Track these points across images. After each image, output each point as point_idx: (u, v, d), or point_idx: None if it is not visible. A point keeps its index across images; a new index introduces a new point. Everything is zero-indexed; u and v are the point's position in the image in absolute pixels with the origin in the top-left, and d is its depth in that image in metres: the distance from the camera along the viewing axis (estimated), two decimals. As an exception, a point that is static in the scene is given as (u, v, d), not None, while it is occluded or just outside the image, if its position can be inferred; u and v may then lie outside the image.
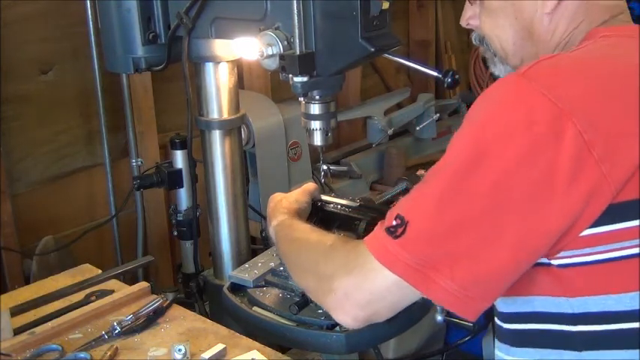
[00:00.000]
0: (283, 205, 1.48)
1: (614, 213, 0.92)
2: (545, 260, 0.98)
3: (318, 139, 1.51)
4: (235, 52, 1.69)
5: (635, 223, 0.93)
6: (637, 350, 0.96)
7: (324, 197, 1.65)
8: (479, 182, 0.94)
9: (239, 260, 1.83)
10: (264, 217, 2.23)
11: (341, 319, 1.11)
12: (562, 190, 0.91)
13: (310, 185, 1.58)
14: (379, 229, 1.04)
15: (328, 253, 1.16)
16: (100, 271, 1.72)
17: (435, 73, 1.39)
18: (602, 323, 0.97)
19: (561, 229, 0.93)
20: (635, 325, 0.96)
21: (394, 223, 1.00)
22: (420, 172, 1.75)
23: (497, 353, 1.12)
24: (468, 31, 1.30)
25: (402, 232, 0.99)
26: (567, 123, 0.91)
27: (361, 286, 1.04)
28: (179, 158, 2.00)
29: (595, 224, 0.93)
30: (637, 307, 0.95)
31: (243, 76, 2.51)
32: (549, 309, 1.00)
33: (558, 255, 0.96)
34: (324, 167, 1.70)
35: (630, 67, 1.00)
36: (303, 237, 1.31)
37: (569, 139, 0.90)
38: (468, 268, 0.96)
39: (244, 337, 1.45)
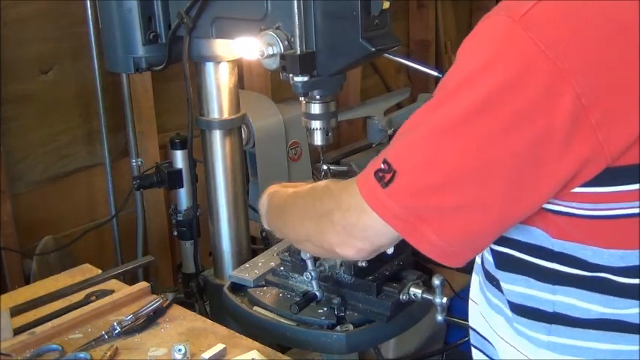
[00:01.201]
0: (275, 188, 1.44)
1: (612, 175, 0.89)
2: None
3: (318, 139, 1.51)
4: (236, 52, 1.69)
5: (634, 186, 0.89)
6: (608, 296, 0.95)
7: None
8: (470, 140, 0.90)
9: (239, 260, 1.84)
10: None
11: (345, 252, 1.09)
12: (556, 154, 0.87)
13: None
14: (370, 170, 1.00)
15: (323, 193, 1.14)
16: (100, 271, 1.72)
17: (435, 73, 1.40)
18: (577, 268, 0.96)
19: (552, 191, 0.91)
20: (608, 276, 0.94)
21: (382, 166, 0.97)
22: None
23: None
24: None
25: (390, 181, 0.96)
26: (566, 84, 0.85)
27: (357, 223, 1.02)
28: (179, 158, 2.00)
29: (592, 184, 0.90)
30: (616, 265, 0.93)
31: (243, 76, 2.52)
32: (530, 240, 0.99)
33: (550, 201, 0.94)
34: (324, 167, 1.70)
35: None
36: (296, 190, 1.29)
37: (566, 102, 0.85)
38: (454, 224, 0.94)
39: (244, 337, 1.45)
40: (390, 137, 2.73)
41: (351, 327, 1.47)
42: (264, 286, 1.63)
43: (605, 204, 0.91)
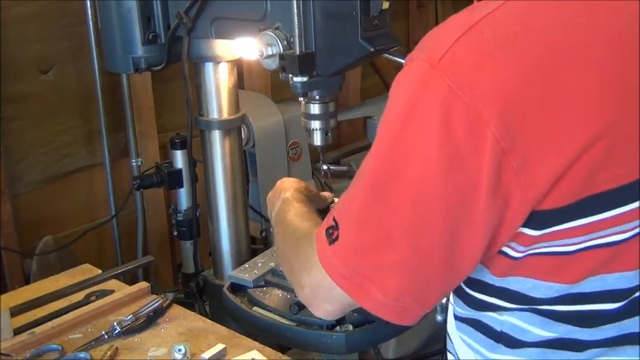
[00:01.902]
0: (293, 185, 1.41)
1: (537, 220, 0.87)
2: None
3: (318, 139, 1.51)
4: (235, 52, 1.69)
5: (566, 225, 0.88)
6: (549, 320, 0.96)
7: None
8: (398, 194, 0.88)
9: (239, 260, 1.83)
10: (264, 217, 2.24)
11: (316, 314, 1.07)
12: (484, 201, 0.85)
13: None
14: (323, 226, 0.99)
15: (295, 247, 1.12)
16: (100, 271, 1.72)
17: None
18: (516, 303, 0.96)
19: (486, 239, 0.88)
20: (545, 307, 0.95)
21: (332, 223, 0.96)
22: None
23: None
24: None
25: (336, 238, 0.95)
26: (486, 130, 0.82)
27: (320, 283, 1.00)
28: (179, 158, 2.00)
29: (528, 226, 0.88)
30: (551, 296, 0.93)
31: (243, 76, 2.52)
32: (472, 275, 0.97)
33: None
34: (324, 167, 1.70)
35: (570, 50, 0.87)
36: (287, 222, 1.26)
37: (488, 148, 0.83)
38: (399, 279, 0.92)
39: (244, 337, 1.45)
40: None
41: (350, 327, 1.47)
42: (263, 286, 1.63)
43: (541, 243, 0.90)
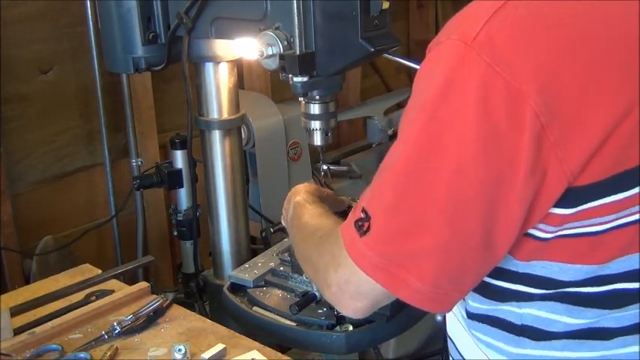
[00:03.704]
0: (304, 188, 1.40)
1: (576, 195, 0.87)
2: None
3: (318, 139, 1.51)
4: (235, 52, 1.69)
5: (600, 202, 0.88)
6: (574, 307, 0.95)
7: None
8: (435, 176, 0.87)
9: (239, 260, 1.84)
10: (264, 217, 2.24)
11: (343, 312, 1.06)
12: (522, 178, 0.85)
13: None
14: (351, 219, 0.98)
15: (319, 245, 1.10)
16: (100, 271, 1.72)
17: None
18: (541, 288, 0.95)
19: (522, 215, 0.88)
20: (572, 289, 0.93)
21: (361, 215, 0.95)
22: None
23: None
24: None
25: (367, 229, 0.94)
26: (525, 105, 0.83)
27: (349, 279, 0.98)
28: (179, 158, 2.00)
29: (558, 205, 0.88)
30: (579, 278, 0.92)
31: (243, 76, 2.52)
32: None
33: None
34: (324, 167, 1.70)
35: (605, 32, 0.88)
36: (304, 224, 1.26)
37: (528, 124, 0.83)
38: (435, 264, 0.91)
39: (244, 337, 1.45)
40: (391, 137, 2.73)
41: (350, 327, 1.47)
42: (263, 286, 1.63)
43: (571, 223, 0.89)
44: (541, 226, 0.90)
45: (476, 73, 0.84)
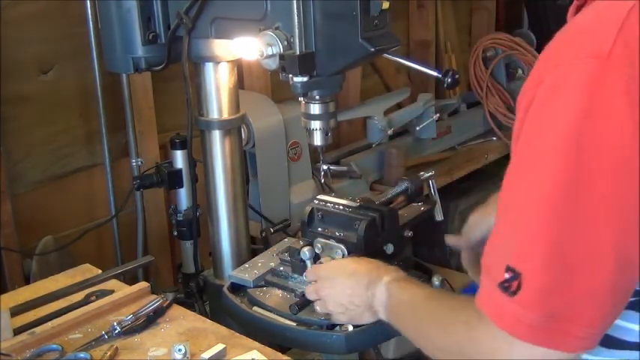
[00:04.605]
0: (387, 270, 1.30)
1: None
2: None
3: (318, 139, 1.51)
4: (235, 52, 1.69)
5: None
6: None
7: (324, 197, 1.65)
8: (591, 210, 0.82)
9: (239, 260, 1.83)
10: (264, 217, 2.24)
11: None
12: None
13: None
14: (489, 286, 0.90)
15: (470, 333, 0.97)
16: (100, 271, 1.72)
17: (434, 73, 1.39)
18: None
19: None
20: None
21: (506, 276, 0.87)
22: (421, 174, 1.75)
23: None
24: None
25: (518, 288, 0.86)
26: None
27: (496, 349, 0.91)
28: (179, 158, 2.00)
29: None
30: None
31: (243, 76, 2.51)
32: None
33: None
34: (324, 167, 1.70)
35: None
36: (417, 305, 1.15)
37: None
38: (604, 304, 0.85)
39: (244, 337, 1.45)
40: (390, 137, 2.73)
41: (350, 327, 1.47)
42: (263, 286, 1.63)
43: None
44: None
45: (620, 86, 0.81)
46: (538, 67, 0.89)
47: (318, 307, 1.41)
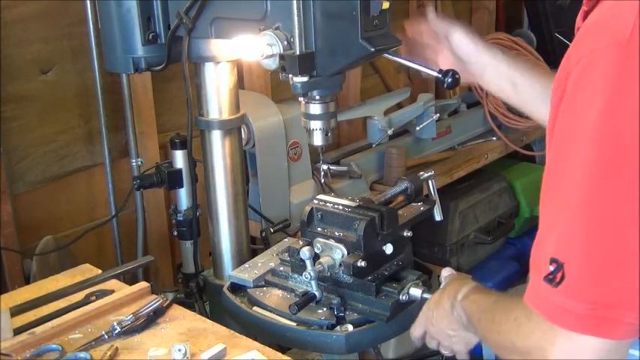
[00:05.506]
0: (460, 279, 1.32)
1: None
2: None
3: (318, 139, 1.51)
4: (235, 52, 1.69)
5: None
6: None
7: (324, 197, 1.65)
8: (624, 190, 0.82)
9: (239, 260, 1.84)
10: (264, 217, 2.24)
11: None
12: None
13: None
14: (536, 280, 0.90)
15: (519, 329, 0.99)
16: (100, 271, 1.72)
17: (435, 73, 1.39)
18: None
19: None
20: None
21: (550, 268, 0.88)
22: (421, 173, 1.75)
23: None
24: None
25: (562, 278, 0.86)
26: None
27: (569, 354, 0.90)
28: (179, 158, 2.00)
29: None
30: None
31: (243, 76, 2.51)
32: None
33: None
34: (324, 167, 1.70)
35: None
36: (482, 311, 1.17)
37: None
38: None
39: (244, 337, 1.45)
40: (390, 137, 2.73)
41: (350, 327, 1.47)
42: (263, 286, 1.63)
43: None
44: None
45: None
46: (568, 59, 0.90)
47: (442, 349, 1.39)
